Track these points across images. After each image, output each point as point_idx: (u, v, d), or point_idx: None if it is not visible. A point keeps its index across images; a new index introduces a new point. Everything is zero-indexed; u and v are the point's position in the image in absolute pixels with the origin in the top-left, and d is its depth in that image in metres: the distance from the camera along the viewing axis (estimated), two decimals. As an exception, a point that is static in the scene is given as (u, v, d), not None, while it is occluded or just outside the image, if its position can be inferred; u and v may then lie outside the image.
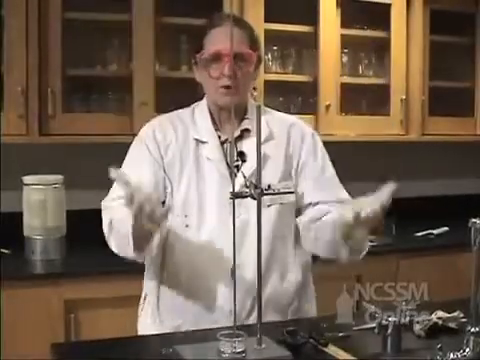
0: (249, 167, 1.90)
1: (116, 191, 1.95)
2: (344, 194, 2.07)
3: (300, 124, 2.10)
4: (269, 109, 2.12)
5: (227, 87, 1.91)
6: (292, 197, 1.95)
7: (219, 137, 1.99)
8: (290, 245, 2.02)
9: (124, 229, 1.77)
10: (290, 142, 2.03)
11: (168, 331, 1.94)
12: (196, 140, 1.98)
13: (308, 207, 2.02)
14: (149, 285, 2.05)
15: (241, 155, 1.95)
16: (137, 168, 1.95)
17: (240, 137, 1.99)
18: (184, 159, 1.96)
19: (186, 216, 1.94)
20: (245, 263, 1.86)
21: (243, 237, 1.88)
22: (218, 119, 2.01)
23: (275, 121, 2.06)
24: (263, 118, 2.00)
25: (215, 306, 1.92)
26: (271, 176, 1.91)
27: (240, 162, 1.94)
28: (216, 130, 2.00)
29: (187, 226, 1.94)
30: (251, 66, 1.96)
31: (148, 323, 2.04)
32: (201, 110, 2.04)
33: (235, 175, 1.89)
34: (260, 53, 2.05)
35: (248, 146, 1.95)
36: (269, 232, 1.95)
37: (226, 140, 1.99)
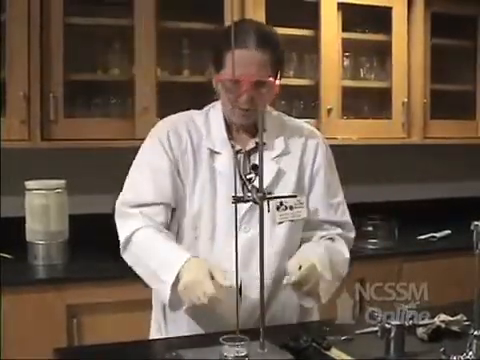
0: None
1: (141, 195, 1.93)
2: (344, 216, 2.06)
3: (315, 135, 2.06)
4: (287, 117, 2.08)
5: (244, 110, 1.87)
6: (304, 214, 1.89)
7: (233, 147, 1.94)
8: None
9: (154, 265, 1.84)
10: (305, 154, 2.00)
11: None
12: (210, 150, 1.94)
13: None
14: (156, 298, 2.04)
15: (254, 168, 1.90)
16: (158, 175, 1.92)
17: (255, 149, 1.94)
18: (198, 168, 1.92)
19: (196, 228, 1.91)
20: (252, 280, 1.84)
21: (251, 253, 1.86)
22: (233, 127, 1.97)
23: (292, 133, 2.01)
24: (280, 131, 1.99)
25: (222, 321, 1.87)
26: (284, 191, 1.89)
27: (253, 175, 1.91)
28: (230, 139, 1.95)
29: (196, 238, 1.91)
30: (271, 92, 1.90)
31: (154, 336, 2.03)
32: (216, 116, 1.98)
33: (248, 189, 1.86)
34: (282, 71, 1.96)
35: (263, 160, 1.91)
36: (279, 249, 1.92)
37: (240, 150, 1.95)
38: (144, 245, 1.88)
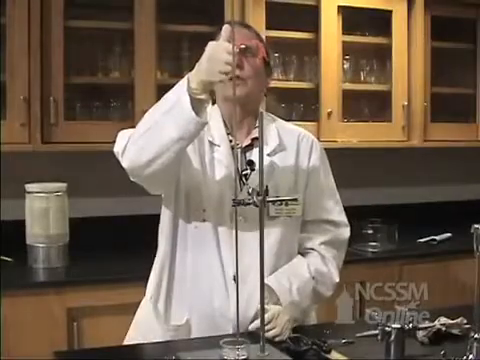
0: (257, 176, 1.88)
1: None
2: (339, 214, 2.09)
3: (309, 136, 2.10)
4: (279, 119, 2.12)
5: (236, 78, 1.86)
6: (298, 211, 1.96)
7: (230, 141, 1.99)
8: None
9: (166, 107, 1.77)
10: (299, 154, 2.03)
11: (173, 327, 1.94)
12: (210, 142, 1.98)
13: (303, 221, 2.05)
14: (158, 278, 2.02)
15: (250, 164, 1.92)
16: None
17: (250, 146, 1.99)
18: (202, 158, 1.96)
19: (204, 210, 1.93)
20: (245, 274, 1.85)
21: (245, 245, 1.84)
22: (229, 124, 2.00)
23: (286, 132, 2.05)
24: (274, 128, 2.03)
25: (217, 311, 1.91)
26: (279, 187, 1.92)
27: (249, 171, 1.93)
28: (228, 134, 2.00)
29: (204, 220, 1.93)
30: (259, 58, 1.96)
31: (154, 324, 2.01)
32: (215, 114, 2.02)
33: (243, 183, 1.90)
34: (269, 59, 2.06)
35: (258, 155, 1.94)
36: (274, 245, 1.95)
37: (237, 145, 1.97)
38: (141, 123, 1.83)
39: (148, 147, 1.76)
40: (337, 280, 2.05)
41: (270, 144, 1.98)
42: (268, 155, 1.94)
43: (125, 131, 1.91)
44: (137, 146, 1.78)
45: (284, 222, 1.95)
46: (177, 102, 1.73)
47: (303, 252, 2.06)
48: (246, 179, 1.92)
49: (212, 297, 1.92)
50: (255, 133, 1.99)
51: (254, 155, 1.97)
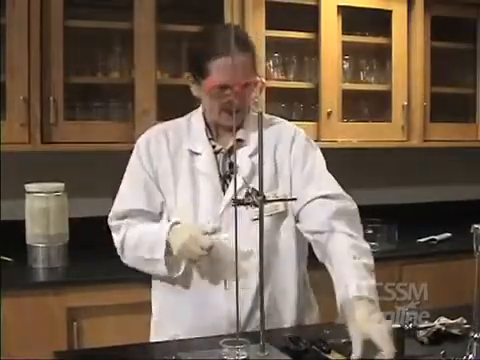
0: (239, 179, 1.83)
1: (122, 206, 2.00)
2: (336, 188, 1.98)
3: (290, 128, 2.05)
4: (269, 116, 2.08)
5: (232, 111, 1.86)
6: (281, 207, 1.93)
7: (213, 147, 1.98)
8: (288, 257, 1.98)
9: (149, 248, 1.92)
10: (278, 147, 1.99)
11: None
12: (190, 151, 1.97)
13: (301, 208, 1.95)
14: (153, 295, 2.07)
15: (232, 166, 1.92)
16: (133, 187, 2.00)
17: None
18: (178, 171, 1.95)
19: None
20: (247, 278, 1.85)
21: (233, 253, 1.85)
22: (214, 129, 2.00)
23: (267, 130, 1.98)
24: (255, 129, 2.00)
25: (210, 318, 1.90)
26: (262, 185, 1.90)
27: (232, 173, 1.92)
28: (211, 139, 1.99)
29: None
30: (256, 91, 1.94)
31: (152, 334, 2.04)
32: (197, 120, 2.03)
33: (227, 186, 1.91)
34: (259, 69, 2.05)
35: (240, 156, 1.93)
36: (264, 245, 1.92)
37: (220, 149, 1.98)
38: (132, 242, 1.96)
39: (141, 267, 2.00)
40: (367, 246, 1.92)
41: (250, 145, 1.96)
42: (250, 156, 1.93)
43: (113, 220, 2.05)
44: (131, 261, 2.02)
45: (267, 219, 1.87)
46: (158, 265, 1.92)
47: (315, 240, 1.90)
48: (230, 181, 1.92)
49: (204, 308, 1.92)
50: (238, 135, 1.95)
51: (237, 157, 1.91)
